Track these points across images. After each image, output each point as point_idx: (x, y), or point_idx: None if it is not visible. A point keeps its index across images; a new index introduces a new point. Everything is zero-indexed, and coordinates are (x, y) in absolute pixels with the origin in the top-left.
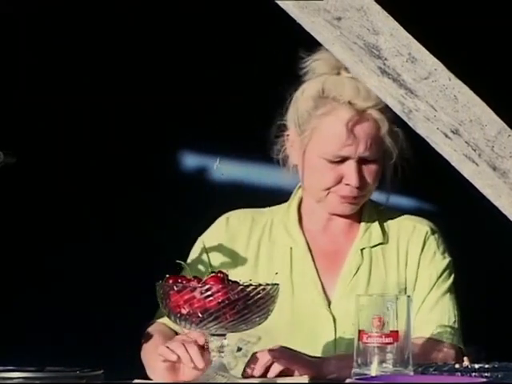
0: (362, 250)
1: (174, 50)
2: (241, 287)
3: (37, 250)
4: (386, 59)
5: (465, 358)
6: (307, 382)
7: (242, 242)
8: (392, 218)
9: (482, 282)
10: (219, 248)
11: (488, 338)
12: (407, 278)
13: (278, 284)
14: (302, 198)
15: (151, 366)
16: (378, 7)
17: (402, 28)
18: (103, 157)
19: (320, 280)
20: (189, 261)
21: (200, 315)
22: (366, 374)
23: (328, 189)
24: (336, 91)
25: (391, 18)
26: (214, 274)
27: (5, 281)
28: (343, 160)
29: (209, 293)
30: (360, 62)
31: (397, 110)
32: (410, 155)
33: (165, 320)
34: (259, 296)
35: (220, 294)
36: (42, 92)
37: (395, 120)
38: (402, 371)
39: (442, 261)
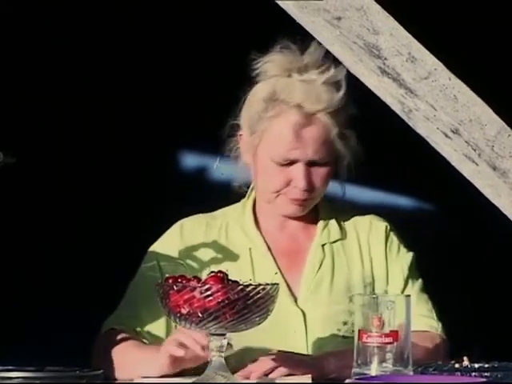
0: (322, 245)
1: (173, 50)
2: (240, 287)
3: (37, 250)
4: (385, 59)
5: (464, 358)
6: (309, 381)
7: (198, 248)
8: (347, 215)
9: (482, 281)
10: (174, 255)
11: (488, 338)
12: (374, 273)
13: (277, 284)
14: (255, 198)
15: (136, 363)
16: (377, 7)
17: (401, 28)
18: (103, 157)
19: (284, 278)
20: (141, 270)
21: (200, 315)
22: (365, 374)
23: (277, 191)
24: (286, 94)
25: (391, 17)
26: (213, 274)
27: (5, 281)
28: (292, 163)
29: (208, 292)
30: (360, 62)
31: (397, 109)
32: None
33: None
34: (259, 296)
35: (220, 293)
36: (42, 92)
37: (348, 123)
38: (402, 371)
39: (407, 254)
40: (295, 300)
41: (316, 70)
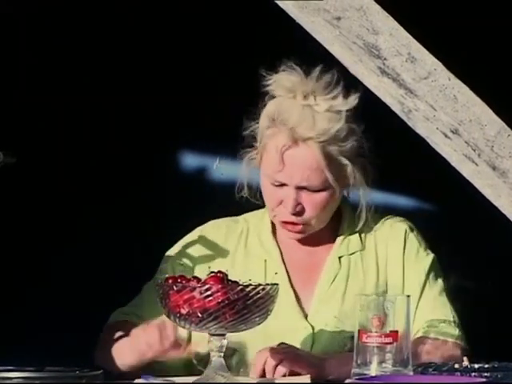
0: (339, 257)
1: (173, 50)
2: (240, 287)
3: (37, 250)
4: (385, 59)
5: (464, 358)
6: (308, 382)
7: (217, 251)
8: (371, 223)
9: (483, 281)
10: (194, 258)
11: (488, 339)
12: (389, 280)
13: (277, 284)
14: None
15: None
16: (377, 7)
17: (401, 28)
18: (103, 157)
19: (295, 293)
20: (161, 271)
21: (199, 315)
22: (365, 374)
23: (272, 210)
24: (284, 116)
25: (391, 17)
26: (213, 274)
27: (5, 281)
28: (283, 185)
29: (208, 293)
30: (359, 62)
31: (396, 109)
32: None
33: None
34: (259, 296)
35: (219, 293)
36: (42, 92)
37: (347, 153)
38: (402, 371)
39: (427, 257)
40: (305, 317)
41: (322, 97)
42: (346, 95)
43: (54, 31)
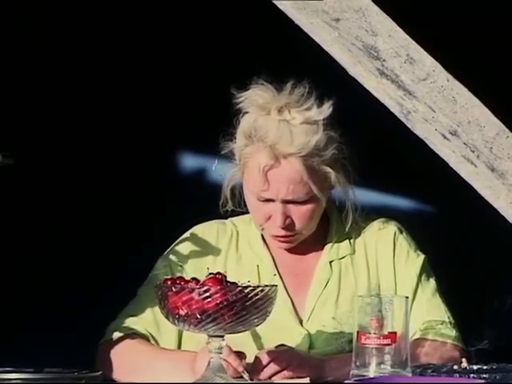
0: (330, 262)
1: (174, 50)
2: (239, 288)
3: (36, 251)
4: (384, 60)
5: (463, 360)
6: (308, 382)
7: (209, 254)
8: (359, 225)
9: (482, 281)
10: (186, 262)
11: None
12: (381, 283)
13: (276, 285)
14: None
15: (169, 369)
16: (376, 8)
17: (400, 29)
18: (103, 157)
19: (290, 297)
20: (150, 276)
21: (198, 316)
22: (364, 376)
23: (260, 225)
24: (261, 132)
25: (389, 19)
26: (212, 276)
27: (3, 282)
28: (269, 200)
29: (207, 294)
30: (358, 64)
31: (395, 111)
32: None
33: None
34: (257, 297)
35: (218, 295)
36: (41, 93)
37: (329, 160)
38: (400, 372)
39: (417, 258)
40: (300, 322)
41: (296, 109)
42: (320, 104)
43: (53, 31)
